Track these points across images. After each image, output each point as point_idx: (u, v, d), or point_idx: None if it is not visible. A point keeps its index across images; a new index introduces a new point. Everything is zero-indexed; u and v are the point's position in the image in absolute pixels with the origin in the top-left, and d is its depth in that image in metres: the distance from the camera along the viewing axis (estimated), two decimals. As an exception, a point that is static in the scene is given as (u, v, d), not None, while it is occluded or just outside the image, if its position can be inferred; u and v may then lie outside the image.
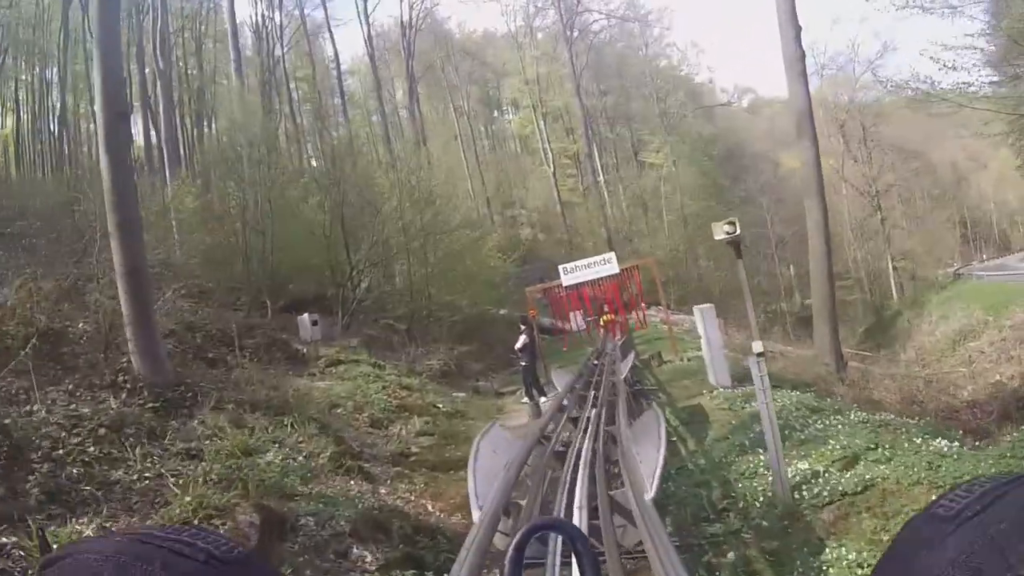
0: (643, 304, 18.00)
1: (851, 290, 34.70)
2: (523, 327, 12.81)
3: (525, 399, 12.76)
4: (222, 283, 16.75)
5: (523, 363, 12.68)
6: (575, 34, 43.13)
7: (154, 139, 28.50)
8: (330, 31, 41.28)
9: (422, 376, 15.09)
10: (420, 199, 21.50)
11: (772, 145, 46.68)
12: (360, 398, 10.87)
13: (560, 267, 15.10)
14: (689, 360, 13.40)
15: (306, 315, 16.06)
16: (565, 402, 7.45)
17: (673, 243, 37.71)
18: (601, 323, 17.14)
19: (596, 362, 10.74)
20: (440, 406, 12.16)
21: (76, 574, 0.35)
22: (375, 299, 20.91)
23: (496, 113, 60.76)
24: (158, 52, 27.39)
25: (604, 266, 14.64)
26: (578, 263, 15.04)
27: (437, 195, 23.17)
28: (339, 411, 9.92)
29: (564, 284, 15.14)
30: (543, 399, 12.14)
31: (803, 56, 15.13)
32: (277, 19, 37.68)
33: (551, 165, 46.77)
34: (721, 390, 9.44)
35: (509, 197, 50.23)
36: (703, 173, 40.32)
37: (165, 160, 25.38)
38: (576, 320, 17.22)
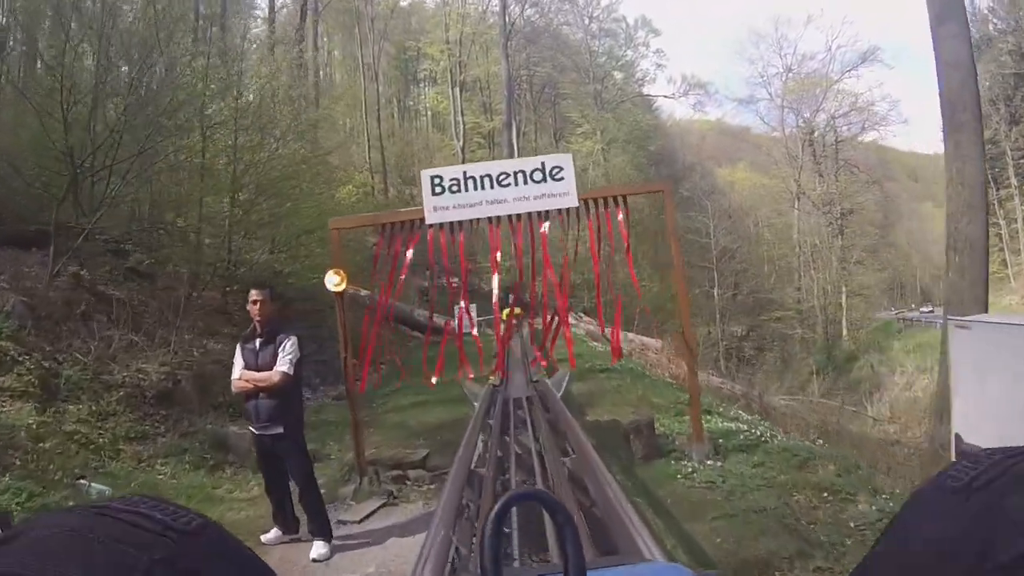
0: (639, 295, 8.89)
1: (790, 323, 29.46)
2: (256, 311, 4.42)
3: (272, 533, 4.51)
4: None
5: (256, 429, 4.42)
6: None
7: None
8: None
9: (114, 398, 6.98)
10: (236, 85, 13.38)
11: (705, 158, 41.90)
12: None
13: (424, 174, 6.05)
14: (722, 453, 5.57)
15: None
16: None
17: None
18: (503, 324, 7.67)
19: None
20: None
21: (33, 549, 0.35)
22: (140, 233, 12.33)
23: (412, 88, 54.01)
24: None
25: (542, 185, 5.64)
26: (478, 167, 6.05)
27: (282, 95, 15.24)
28: None
29: (429, 221, 6.82)
30: (321, 546, 4.37)
31: None
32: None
33: (460, 139, 39.94)
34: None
35: (410, 173, 43.60)
36: (636, 167, 34.38)
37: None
38: (464, 316, 7.25)
